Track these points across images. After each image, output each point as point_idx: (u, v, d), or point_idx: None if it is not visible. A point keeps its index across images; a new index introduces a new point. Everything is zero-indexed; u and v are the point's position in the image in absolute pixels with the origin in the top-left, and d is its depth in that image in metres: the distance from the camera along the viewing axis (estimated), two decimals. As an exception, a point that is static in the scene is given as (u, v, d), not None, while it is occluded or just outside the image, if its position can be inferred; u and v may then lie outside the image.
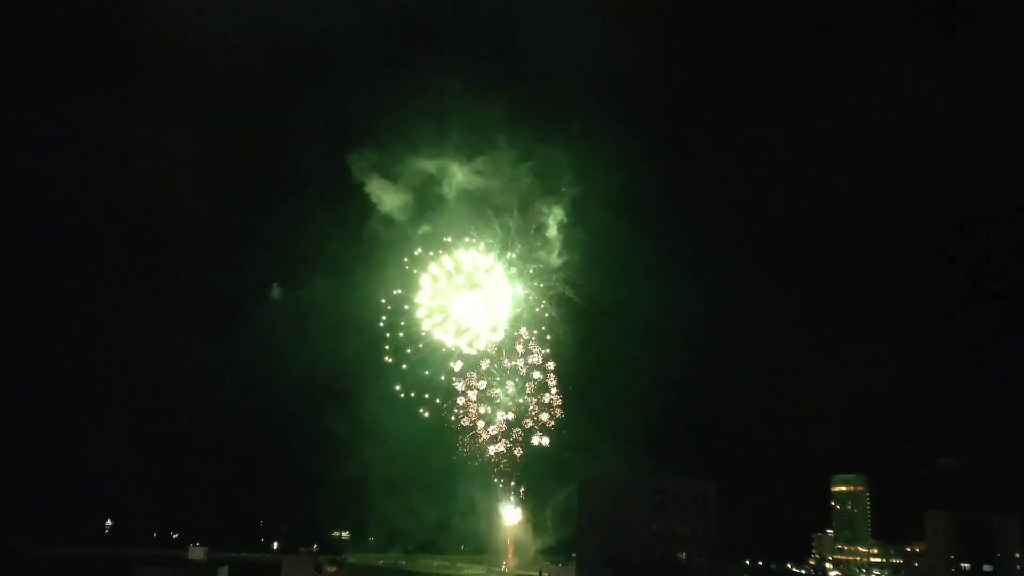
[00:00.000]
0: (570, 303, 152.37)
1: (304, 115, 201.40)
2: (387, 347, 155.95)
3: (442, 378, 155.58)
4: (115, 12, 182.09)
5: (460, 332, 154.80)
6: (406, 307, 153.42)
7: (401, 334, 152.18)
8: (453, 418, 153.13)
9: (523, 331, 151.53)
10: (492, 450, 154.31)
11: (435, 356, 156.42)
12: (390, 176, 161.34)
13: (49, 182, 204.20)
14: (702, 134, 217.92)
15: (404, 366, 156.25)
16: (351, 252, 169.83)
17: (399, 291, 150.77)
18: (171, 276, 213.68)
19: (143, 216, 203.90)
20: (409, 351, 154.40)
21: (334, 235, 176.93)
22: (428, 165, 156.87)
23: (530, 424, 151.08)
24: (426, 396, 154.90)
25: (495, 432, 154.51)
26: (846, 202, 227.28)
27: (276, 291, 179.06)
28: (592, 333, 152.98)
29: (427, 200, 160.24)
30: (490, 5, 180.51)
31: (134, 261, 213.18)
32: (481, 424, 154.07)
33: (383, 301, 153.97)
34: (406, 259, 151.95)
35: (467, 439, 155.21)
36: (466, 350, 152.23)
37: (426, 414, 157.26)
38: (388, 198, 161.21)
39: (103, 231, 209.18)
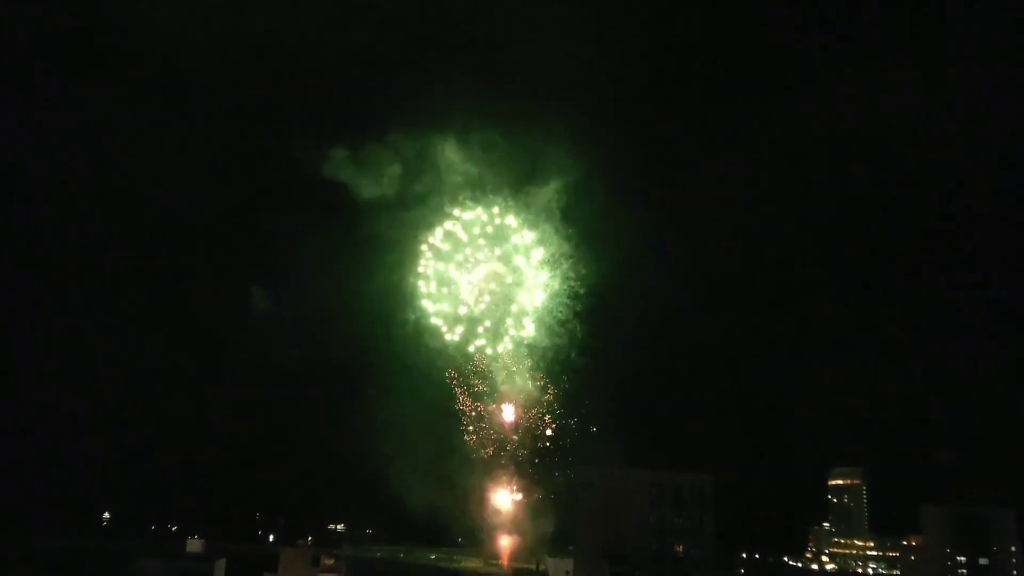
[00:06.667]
0: (569, 290, 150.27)
1: (281, 110, 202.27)
2: (385, 333, 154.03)
3: (441, 362, 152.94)
4: (99, 11, 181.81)
5: (457, 315, 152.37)
6: (404, 286, 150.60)
7: (399, 318, 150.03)
8: (456, 404, 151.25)
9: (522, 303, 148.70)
10: (491, 436, 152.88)
11: (435, 338, 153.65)
12: (372, 163, 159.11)
13: (40, 183, 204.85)
14: (700, 132, 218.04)
15: (402, 352, 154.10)
16: (339, 245, 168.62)
17: (396, 275, 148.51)
18: (162, 277, 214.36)
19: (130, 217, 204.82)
20: (408, 335, 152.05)
21: (320, 231, 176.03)
22: (413, 148, 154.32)
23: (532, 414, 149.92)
24: (425, 380, 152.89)
25: (493, 414, 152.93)
26: (844, 201, 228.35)
27: (258, 293, 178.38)
28: (589, 320, 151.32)
29: (413, 185, 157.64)
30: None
31: (130, 263, 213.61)
32: (480, 408, 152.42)
33: (380, 287, 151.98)
34: (396, 247, 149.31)
35: (468, 425, 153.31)
36: (465, 333, 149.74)
37: (423, 400, 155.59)
38: (371, 186, 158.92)
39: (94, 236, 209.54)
